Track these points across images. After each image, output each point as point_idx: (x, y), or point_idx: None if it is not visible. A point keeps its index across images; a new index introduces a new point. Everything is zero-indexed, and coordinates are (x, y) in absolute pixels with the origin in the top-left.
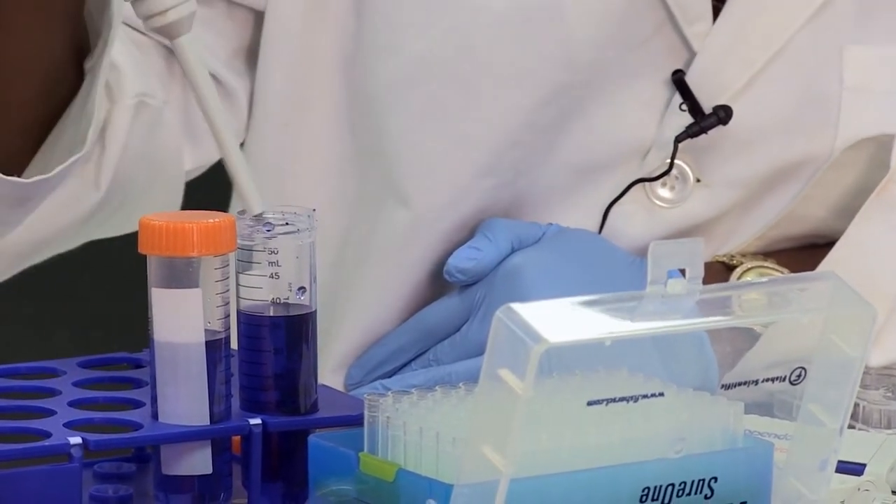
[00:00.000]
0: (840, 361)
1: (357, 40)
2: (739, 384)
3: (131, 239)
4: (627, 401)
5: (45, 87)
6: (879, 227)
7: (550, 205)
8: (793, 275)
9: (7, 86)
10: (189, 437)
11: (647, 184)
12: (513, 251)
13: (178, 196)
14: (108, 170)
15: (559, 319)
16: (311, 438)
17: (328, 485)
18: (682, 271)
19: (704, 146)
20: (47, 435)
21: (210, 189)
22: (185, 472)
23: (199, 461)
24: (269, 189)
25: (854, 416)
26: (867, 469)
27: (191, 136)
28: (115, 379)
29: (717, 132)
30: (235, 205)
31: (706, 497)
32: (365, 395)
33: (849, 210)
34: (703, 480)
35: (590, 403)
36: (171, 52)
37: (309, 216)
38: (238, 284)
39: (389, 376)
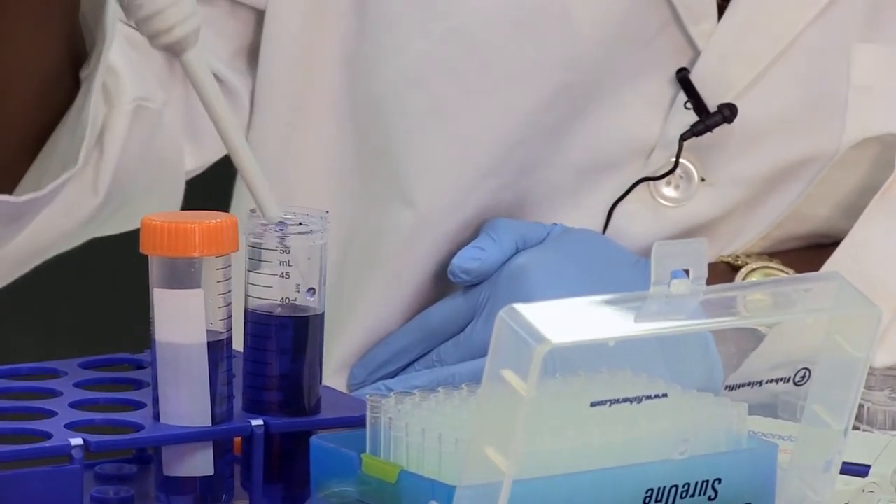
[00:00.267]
0: (845, 362)
1: (359, 40)
2: (743, 385)
3: (133, 239)
4: (631, 402)
5: (41, 97)
6: (884, 227)
7: (554, 205)
8: (797, 275)
9: (1, 96)
10: (190, 438)
11: (651, 183)
12: (517, 251)
13: (179, 196)
14: (107, 175)
15: (562, 320)
16: (313, 439)
17: (330, 486)
18: (687, 272)
19: (709, 145)
20: (48, 436)
21: (210, 188)
22: (186, 473)
23: (200, 462)
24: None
25: (859, 418)
26: (872, 470)
27: (192, 136)
28: (116, 380)
29: (721, 131)
30: (236, 204)
31: (710, 499)
32: (367, 396)
33: (854, 209)
34: (707, 482)
35: (593, 404)
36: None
37: (322, 217)
38: (247, 283)
39: (392, 377)
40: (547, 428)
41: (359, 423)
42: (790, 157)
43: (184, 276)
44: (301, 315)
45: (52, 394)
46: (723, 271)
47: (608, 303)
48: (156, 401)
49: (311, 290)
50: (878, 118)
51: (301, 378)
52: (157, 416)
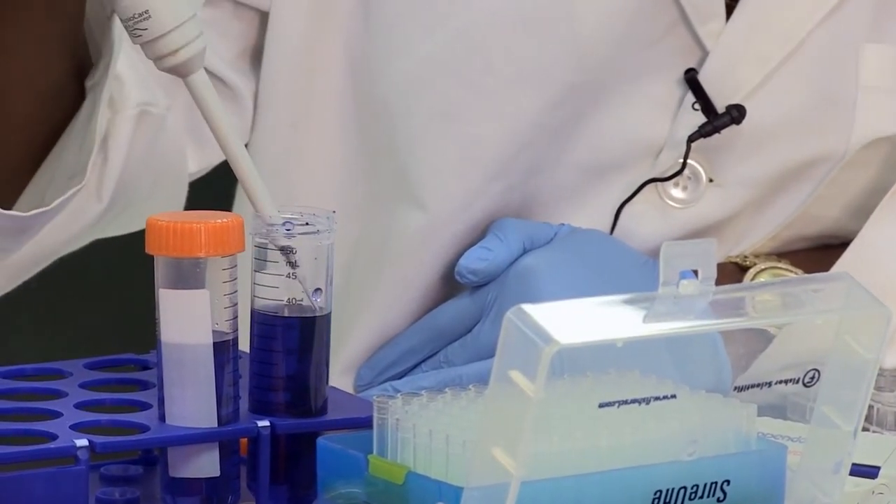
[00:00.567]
0: (854, 363)
1: (365, 41)
2: (752, 386)
3: (138, 239)
4: (639, 403)
5: (45, 107)
6: (894, 228)
7: (562, 205)
8: (806, 276)
9: (5, 107)
10: (196, 439)
11: (659, 184)
12: (524, 252)
13: (182, 198)
14: (111, 181)
15: (570, 320)
16: (320, 441)
17: (337, 487)
18: (695, 272)
19: (717, 146)
20: (53, 437)
21: (213, 189)
22: (192, 474)
23: (206, 463)
24: (276, 191)
25: (868, 419)
26: (881, 472)
27: (195, 139)
28: (121, 380)
29: (730, 132)
30: (239, 204)
31: (719, 500)
32: (374, 397)
33: (863, 210)
34: (716, 483)
35: (601, 405)
36: None
37: (328, 217)
38: (254, 283)
39: (400, 378)
40: (555, 429)
41: (366, 424)
42: (799, 157)
43: (189, 276)
44: (307, 315)
45: (58, 394)
46: (731, 272)
47: (616, 303)
48: (161, 402)
49: (318, 291)
50: (887, 119)
51: (307, 379)
52: (162, 417)
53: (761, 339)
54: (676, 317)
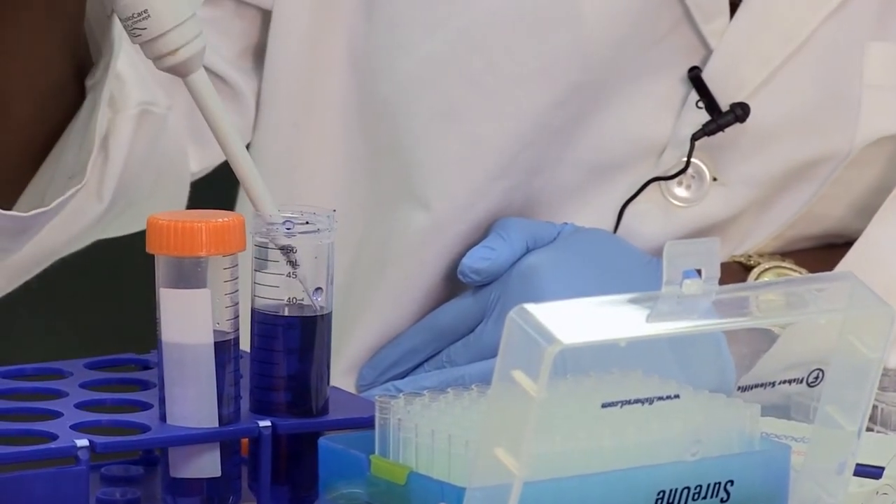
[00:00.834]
0: (858, 363)
1: (367, 40)
2: (756, 386)
3: (139, 238)
4: (642, 403)
5: (44, 107)
6: None
7: (565, 205)
8: (810, 275)
9: (5, 107)
10: (197, 439)
11: (662, 183)
12: (527, 251)
13: (184, 198)
14: (111, 181)
15: (573, 320)
16: (322, 441)
17: (338, 488)
18: (699, 271)
19: (721, 144)
20: (54, 437)
21: (216, 188)
22: (193, 474)
23: (207, 464)
24: (278, 191)
25: (872, 419)
26: (886, 472)
27: (197, 139)
28: (122, 380)
29: (734, 130)
30: (241, 204)
31: (722, 501)
32: (376, 397)
33: (868, 209)
34: (720, 484)
35: (604, 405)
36: None
37: (329, 216)
38: (254, 283)
39: (402, 378)
40: (558, 429)
41: (368, 424)
42: (803, 156)
43: (190, 275)
44: (308, 315)
45: (58, 394)
46: (735, 271)
47: (619, 303)
48: (162, 401)
49: (319, 290)
50: (891, 117)
51: (309, 378)
52: (163, 417)
53: (765, 338)
54: (680, 316)
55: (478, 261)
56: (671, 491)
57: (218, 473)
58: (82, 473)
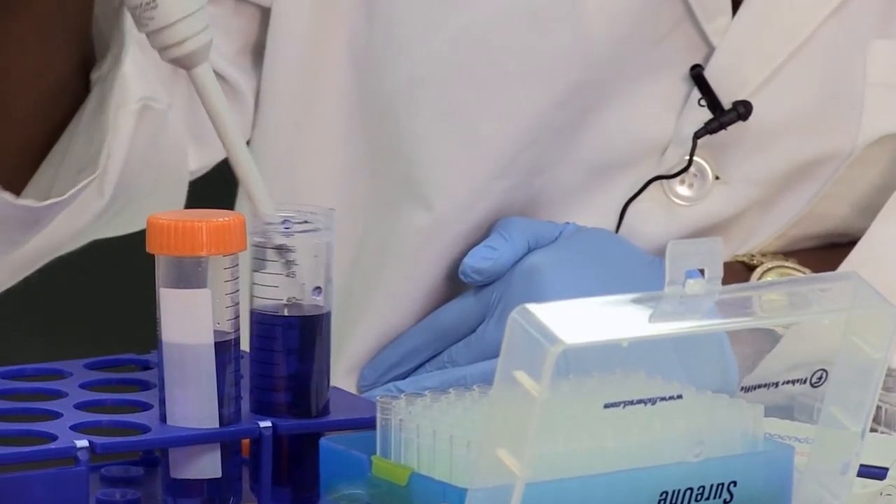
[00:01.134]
0: (862, 363)
1: (369, 38)
2: (759, 386)
3: (139, 238)
4: (645, 403)
5: (48, 102)
6: None
7: (567, 204)
8: (814, 275)
9: (8, 101)
10: (198, 440)
11: (665, 181)
12: (529, 250)
13: (182, 197)
14: (113, 177)
15: (575, 320)
16: (323, 441)
17: (340, 489)
18: (702, 271)
19: (724, 143)
20: (53, 438)
21: (215, 188)
22: (193, 475)
23: (208, 465)
24: (278, 190)
25: (876, 419)
26: (889, 473)
27: (196, 137)
28: (122, 381)
29: (736, 128)
30: (241, 204)
31: (725, 501)
32: (377, 398)
33: (871, 208)
34: (723, 485)
35: (607, 406)
36: None
37: (327, 215)
38: (253, 283)
39: (403, 378)
40: (560, 430)
41: (369, 424)
42: (806, 155)
43: (191, 275)
44: (308, 315)
45: (58, 395)
46: (738, 271)
47: (622, 303)
48: (162, 402)
49: (318, 289)
50: (894, 116)
51: (309, 379)
52: (163, 418)
53: (768, 338)
54: (682, 316)
55: (479, 261)
56: (674, 492)
57: (218, 474)
58: (82, 474)
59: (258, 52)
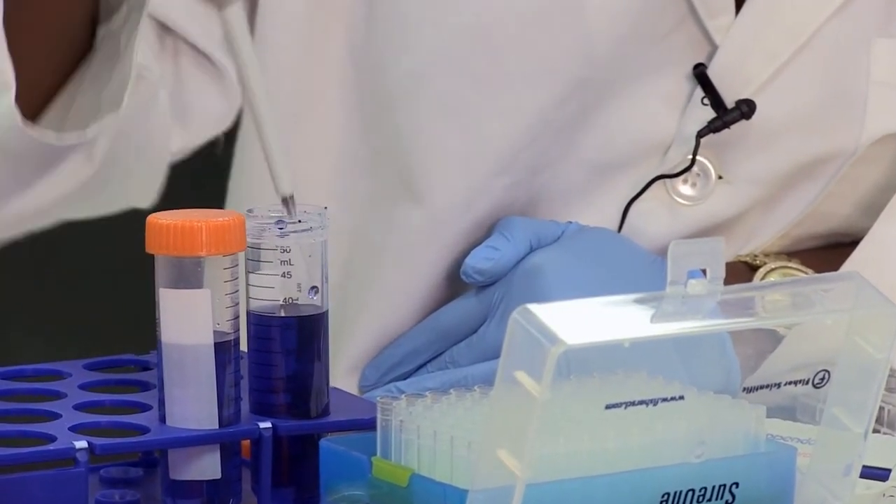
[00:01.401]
0: (865, 364)
1: (368, 34)
2: (762, 387)
3: (139, 238)
4: (647, 404)
5: (54, 47)
6: None
7: (569, 203)
8: (816, 275)
9: (16, 44)
10: (197, 441)
11: (668, 180)
12: (531, 250)
13: (160, 179)
14: (104, 142)
15: (577, 320)
16: (323, 442)
17: (340, 490)
18: (704, 271)
19: (727, 142)
20: (52, 439)
21: (206, 187)
22: (193, 476)
23: (207, 466)
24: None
25: (879, 420)
26: (892, 474)
27: (179, 117)
28: (121, 381)
29: (739, 127)
30: (231, 202)
31: (727, 503)
32: (378, 398)
33: (874, 207)
34: (725, 486)
35: (608, 407)
36: (163, 30)
37: (321, 214)
38: (248, 284)
39: (404, 378)
40: (561, 430)
41: (369, 425)
42: (809, 154)
43: (190, 275)
44: (304, 315)
45: (57, 395)
46: (740, 271)
47: (624, 303)
48: (162, 403)
49: (314, 289)
50: None
51: (308, 379)
52: (163, 419)
53: (770, 339)
54: (684, 317)
55: (481, 261)
56: (676, 493)
57: (218, 475)
58: (81, 475)
59: None
